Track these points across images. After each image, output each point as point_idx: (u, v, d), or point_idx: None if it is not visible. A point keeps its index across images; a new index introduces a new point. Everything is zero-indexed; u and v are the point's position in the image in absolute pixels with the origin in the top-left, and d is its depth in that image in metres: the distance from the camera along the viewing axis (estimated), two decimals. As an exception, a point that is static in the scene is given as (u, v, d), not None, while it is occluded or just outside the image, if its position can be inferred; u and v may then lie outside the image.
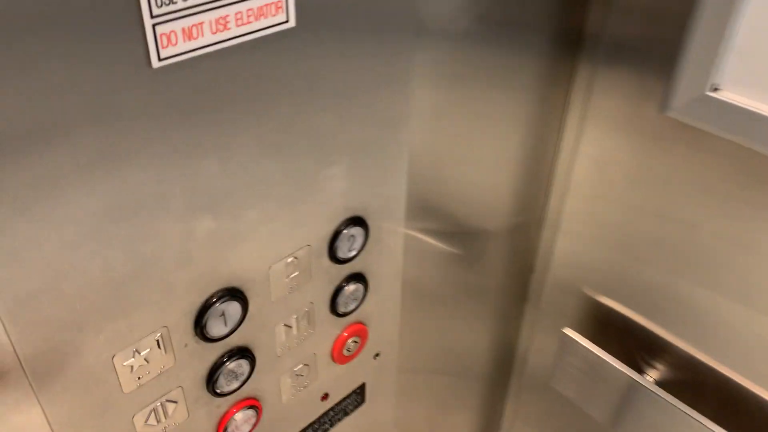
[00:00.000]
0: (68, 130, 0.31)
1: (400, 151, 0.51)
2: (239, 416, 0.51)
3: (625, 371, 0.67)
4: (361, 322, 0.58)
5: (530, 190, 0.72)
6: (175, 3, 0.31)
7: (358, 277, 0.54)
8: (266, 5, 0.35)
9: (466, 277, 0.74)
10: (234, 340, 0.47)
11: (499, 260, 0.76)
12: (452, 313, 0.75)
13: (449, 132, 0.58)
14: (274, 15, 0.36)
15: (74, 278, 0.35)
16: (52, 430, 0.39)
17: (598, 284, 0.72)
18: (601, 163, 0.65)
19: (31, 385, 0.36)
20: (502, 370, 0.89)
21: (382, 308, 0.60)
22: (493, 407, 0.93)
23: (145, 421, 0.44)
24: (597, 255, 0.70)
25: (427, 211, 0.61)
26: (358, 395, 0.65)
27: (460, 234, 0.69)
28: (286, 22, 0.37)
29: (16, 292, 0.33)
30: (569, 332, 0.72)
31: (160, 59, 0.32)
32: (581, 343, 0.71)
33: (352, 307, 0.55)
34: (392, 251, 0.57)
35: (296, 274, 0.48)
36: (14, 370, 0.35)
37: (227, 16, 0.34)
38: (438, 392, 0.82)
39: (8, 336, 0.34)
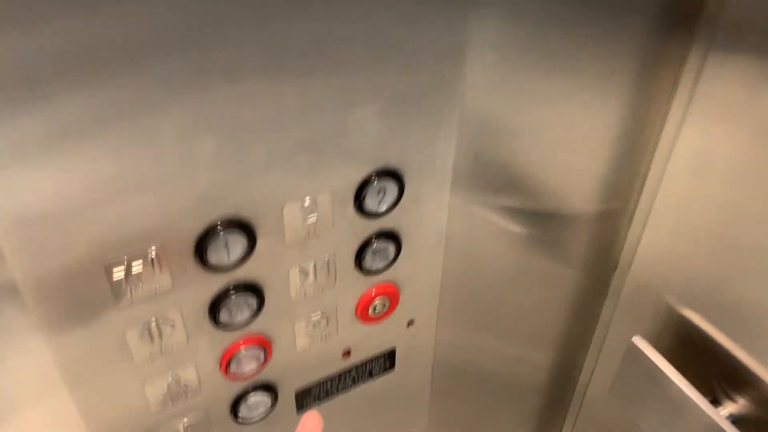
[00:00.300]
0: (56, 28, 0.30)
1: (449, 105, 0.46)
2: (244, 353, 0.50)
3: (694, 397, 0.58)
4: (391, 284, 0.55)
5: (622, 175, 0.63)
6: None
7: (389, 236, 0.51)
8: None
9: (534, 261, 0.67)
10: (240, 274, 0.45)
11: (577, 249, 0.69)
12: (512, 298, 0.69)
13: (528, 96, 0.52)
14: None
15: (57, 175, 0.34)
16: (41, 333, 0.40)
17: (682, 293, 0.63)
18: (702, 155, 0.55)
19: (15, 282, 0.37)
20: (566, 368, 0.81)
21: (418, 274, 0.56)
22: (552, 408, 0.86)
23: (139, 337, 0.44)
24: (685, 259, 0.61)
25: (488, 180, 0.55)
26: (386, 360, 0.62)
27: (530, 213, 0.62)
28: (306, -65, 0.33)
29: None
30: (638, 341, 0.64)
31: (151, -43, 0.30)
32: (649, 355, 0.63)
33: (380, 265, 0.52)
34: (434, 215, 0.53)
35: (314, 219, 0.46)
36: None
37: None
38: (488, 375, 0.77)
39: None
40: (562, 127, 0.56)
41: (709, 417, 0.58)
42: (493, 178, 0.56)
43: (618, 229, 0.69)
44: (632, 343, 0.65)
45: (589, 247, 0.69)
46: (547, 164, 0.58)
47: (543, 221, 0.64)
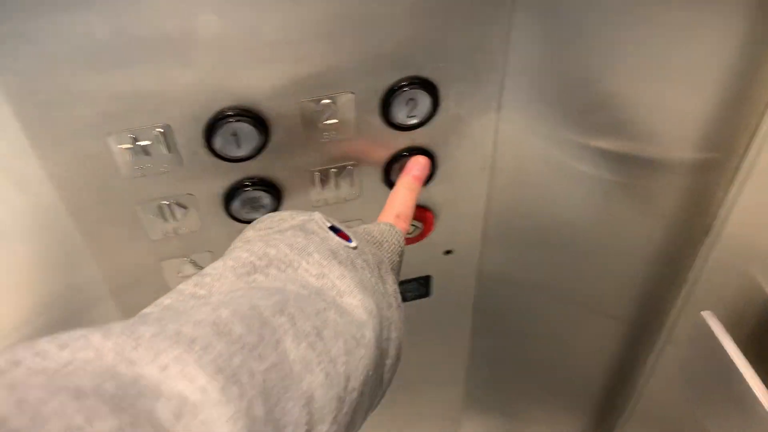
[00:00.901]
0: None
1: (497, 12, 0.41)
2: (262, 250, 0.50)
3: (755, 388, 0.50)
4: (425, 207, 0.52)
5: (728, 121, 0.53)
6: None
7: (422, 153, 0.47)
8: None
9: (606, 209, 0.60)
10: (254, 168, 0.45)
11: (662, 202, 0.60)
12: (574, 247, 0.63)
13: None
14: None
15: (59, 39, 0.35)
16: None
17: (770, 271, 0.54)
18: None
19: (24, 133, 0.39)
20: (634, 330, 0.74)
21: (457, 202, 0.53)
22: (612, 376, 0.80)
23: (151, 214, 0.45)
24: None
25: (550, 107, 0.49)
26: (420, 285, 0.60)
27: (605, 152, 0.55)
28: None
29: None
30: (708, 317, 0.56)
31: None
32: (717, 335, 0.55)
33: (410, 184, 0.49)
34: (477, 139, 0.48)
35: (334, 122, 0.43)
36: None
37: None
38: (542, 323, 0.72)
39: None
40: (656, 48, 0.47)
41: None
42: (556, 104, 0.49)
43: (715, 185, 0.59)
44: (701, 318, 0.57)
45: (677, 202, 0.60)
46: (631, 95, 0.50)
47: (621, 163, 0.56)
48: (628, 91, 0.49)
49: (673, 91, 0.50)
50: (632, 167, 0.56)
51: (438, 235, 0.55)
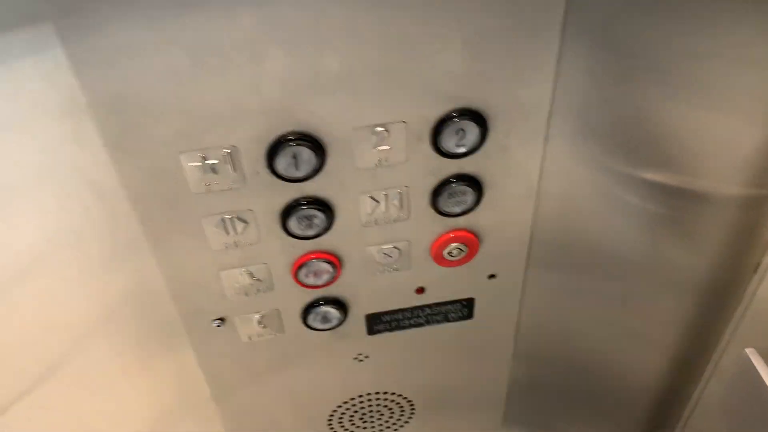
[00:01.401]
0: None
1: (545, 45, 0.43)
2: (314, 265, 0.53)
3: (797, 431, 0.50)
4: (470, 231, 0.54)
5: None
6: None
7: (469, 180, 0.49)
8: None
9: (652, 242, 0.61)
10: (310, 188, 0.48)
11: (709, 238, 0.60)
12: (620, 282, 0.64)
13: (661, 30, 0.44)
14: None
15: (141, 64, 0.39)
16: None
17: (820, 313, 0.53)
18: None
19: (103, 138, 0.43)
20: (677, 372, 0.74)
21: (502, 228, 0.54)
22: (653, 415, 0.79)
23: (215, 227, 0.49)
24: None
25: (597, 137, 0.51)
26: (464, 307, 0.61)
27: (652, 184, 0.56)
28: None
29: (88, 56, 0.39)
30: (751, 354, 0.56)
31: None
32: (760, 372, 0.55)
33: (456, 209, 0.51)
34: (523, 168, 0.50)
35: (387, 148, 0.46)
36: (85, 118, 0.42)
37: None
38: (583, 358, 0.72)
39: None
40: (709, 82, 0.46)
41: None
42: (605, 138, 0.50)
43: (765, 223, 0.59)
44: (745, 355, 0.57)
45: (725, 237, 0.60)
46: (682, 129, 0.50)
47: (669, 196, 0.56)
48: (679, 126, 0.50)
49: (724, 126, 0.50)
50: (681, 200, 0.56)
51: (482, 259, 0.56)
